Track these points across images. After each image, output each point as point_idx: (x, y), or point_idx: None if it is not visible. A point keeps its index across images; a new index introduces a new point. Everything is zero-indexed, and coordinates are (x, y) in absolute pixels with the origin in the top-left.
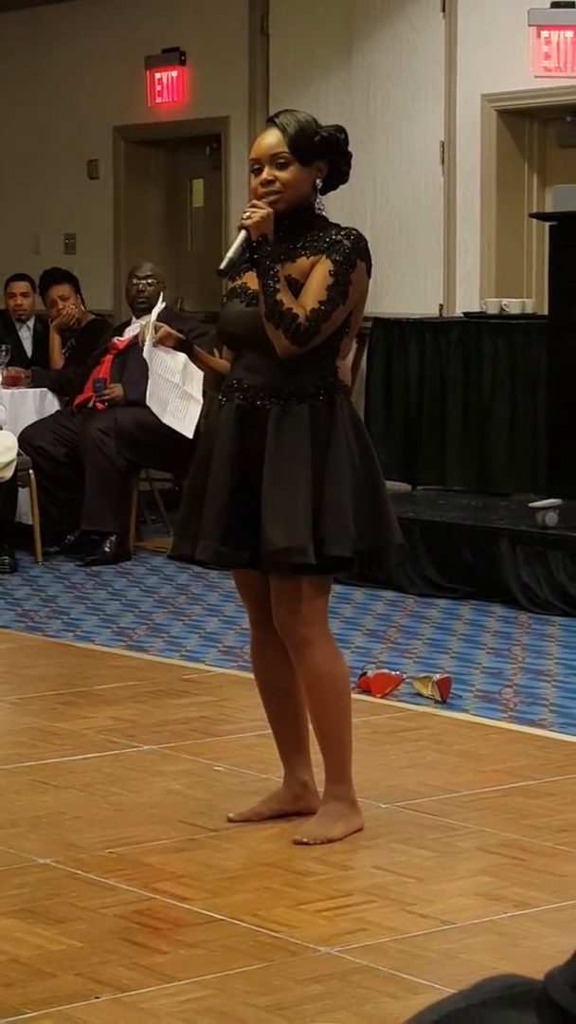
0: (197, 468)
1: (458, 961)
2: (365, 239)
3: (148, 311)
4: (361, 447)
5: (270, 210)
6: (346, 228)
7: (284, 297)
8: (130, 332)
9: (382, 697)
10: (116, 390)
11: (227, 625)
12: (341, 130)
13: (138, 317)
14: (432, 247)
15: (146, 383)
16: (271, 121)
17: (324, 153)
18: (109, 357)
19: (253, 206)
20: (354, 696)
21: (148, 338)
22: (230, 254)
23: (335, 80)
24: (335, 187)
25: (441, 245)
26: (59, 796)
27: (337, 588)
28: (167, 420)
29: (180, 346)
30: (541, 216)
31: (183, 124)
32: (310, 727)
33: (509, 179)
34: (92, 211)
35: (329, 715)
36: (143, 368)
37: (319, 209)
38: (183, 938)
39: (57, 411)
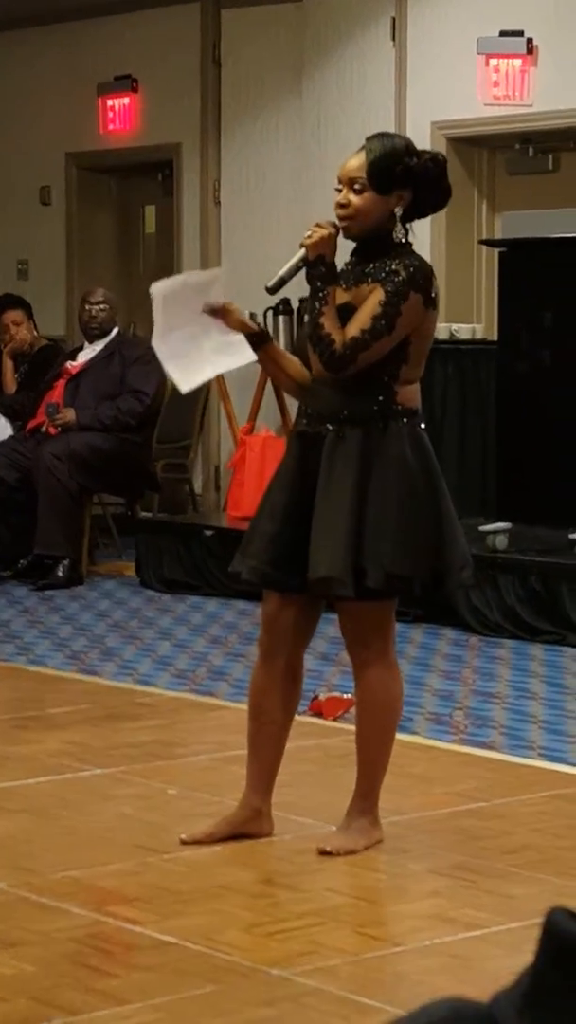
0: (267, 490)
1: (410, 983)
2: (427, 270)
3: (101, 336)
4: (423, 471)
5: (331, 231)
6: (411, 258)
7: (327, 321)
8: (83, 357)
9: (334, 720)
10: (69, 415)
11: (179, 649)
12: (436, 159)
13: (91, 342)
14: None
15: (129, 369)
16: (367, 143)
17: (407, 182)
18: (62, 382)
19: (317, 226)
20: (305, 719)
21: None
22: (282, 272)
23: (286, 108)
24: (425, 215)
25: None
26: (11, 820)
27: None
28: (168, 368)
29: (254, 338)
30: (491, 243)
31: (135, 151)
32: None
33: (459, 206)
34: (44, 237)
35: (374, 736)
36: (96, 392)
37: (398, 238)
38: (136, 961)
39: (10, 436)
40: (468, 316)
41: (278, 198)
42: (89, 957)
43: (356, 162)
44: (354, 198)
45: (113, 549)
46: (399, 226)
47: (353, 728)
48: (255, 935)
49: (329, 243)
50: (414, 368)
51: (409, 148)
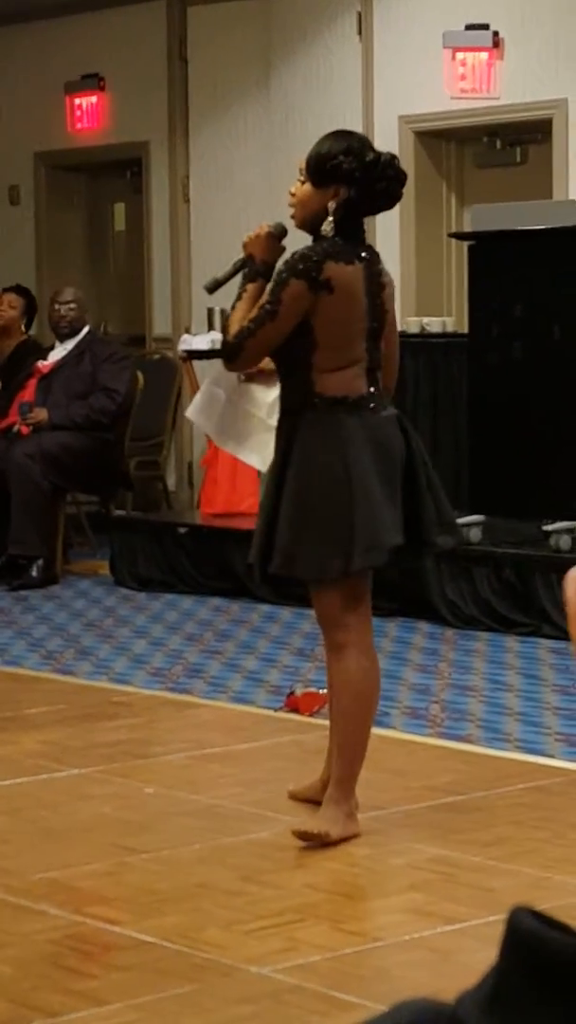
0: None
1: (390, 978)
2: (314, 256)
3: (72, 336)
4: (339, 458)
5: (260, 232)
6: (311, 247)
7: (233, 314)
8: (54, 356)
9: (310, 716)
10: (41, 414)
11: (155, 647)
12: (373, 163)
13: (61, 342)
14: None
15: (115, 403)
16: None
17: (341, 179)
18: (33, 381)
19: (260, 227)
20: (281, 716)
21: (235, 377)
22: (219, 275)
23: (253, 104)
24: (369, 214)
25: None
26: None
27: (264, 608)
28: (244, 456)
29: None
30: (460, 236)
31: (103, 149)
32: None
33: (427, 199)
34: (14, 236)
35: (338, 720)
36: (68, 391)
37: (325, 231)
38: (114, 962)
39: None
40: (438, 309)
41: (247, 194)
42: (68, 958)
43: (302, 161)
44: (298, 188)
45: (87, 548)
46: (328, 219)
47: (328, 723)
48: (234, 933)
49: (258, 243)
50: (329, 355)
51: (348, 149)
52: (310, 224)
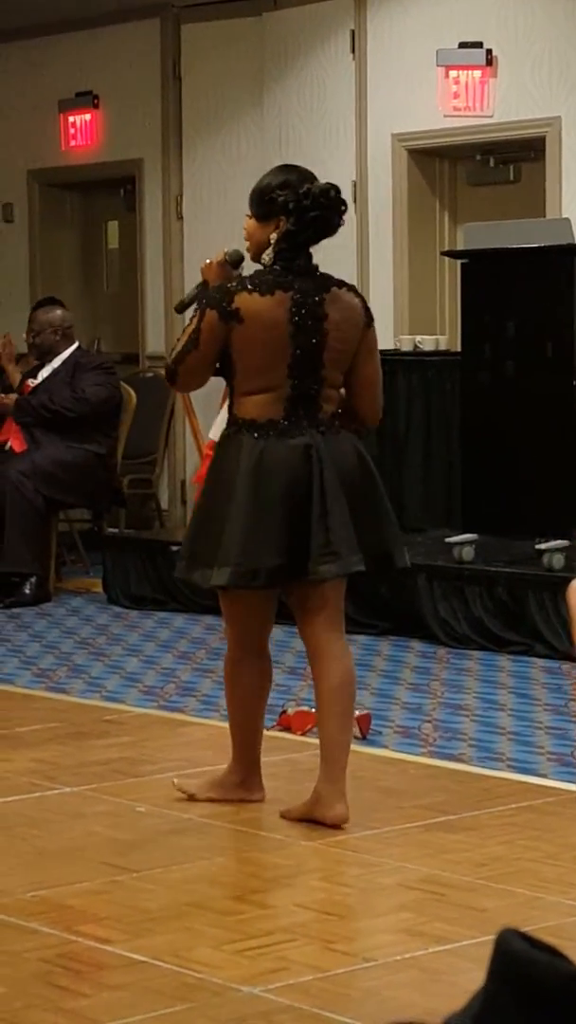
0: None
1: (380, 998)
2: (231, 287)
3: (55, 355)
4: (219, 479)
5: (214, 260)
6: (231, 281)
7: (180, 337)
8: (43, 375)
9: (302, 734)
10: (7, 399)
11: (147, 665)
12: (300, 191)
13: (45, 363)
14: None
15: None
16: None
17: (280, 212)
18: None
19: (217, 254)
20: (274, 734)
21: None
22: (185, 296)
23: (247, 122)
24: (309, 243)
25: (355, 283)
26: None
27: None
28: None
29: None
30: (453, 254)
31: (97, 167)
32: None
33: (421, 218)
34: (7, 254)
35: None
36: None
37: (264, 262)
38: (106, 980)
39: None
40: (431, 327)
41: (241, 212)
42: (59, 977)
43: None
44: (246, 224)
45: (80, 566)
46: (268, 250)
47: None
48: (225, 952)
49: (211, 270)
50: (246, 380)
51: (285, 183)
52: (255, 256)
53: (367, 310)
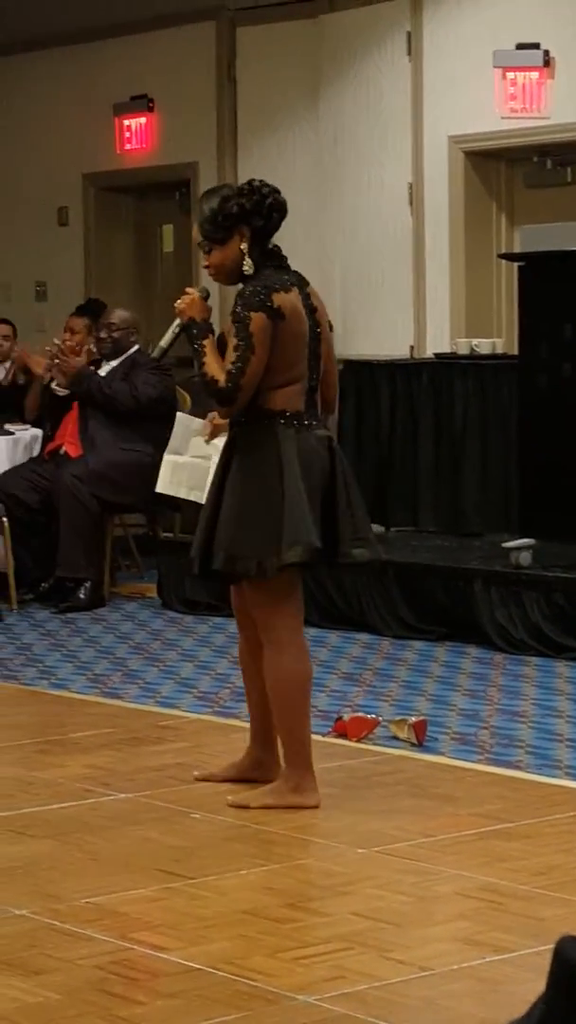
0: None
1: (436, 1008)
2: (260, 290)
3: (115, 356)
4: (262, 470)
5: (195, 296)
6: (250, 285)
7: (209, 367)
8: (104, 372)
9: (357, 741)
10: (76, 362)
11: (202, 671)
12: (243, 192)
13: (107, 361)
14: (402, 288)
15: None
16: (197, 208)
17: (239, 222)
18: (76, 403)
19: (185, 292)
20: (330, 740)
21: (200, 435)
22: (162, 342)
23: (303, 124)
24: (271, 233)
25: (411, 286)
26: (35, 846)
27: (312, 631)
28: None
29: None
30: (509, 256)
31: (152, 170)
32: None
33: (477, 220)
34: (62, 258)
35: (276, 710)
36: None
37: (245, 271)
38: (161, 988)
39: (30, 458)
40: (488, 331)
41: (295, 214)
42: (114, 984)
43: (195, 232)
44: (208, 259)
45: (135, 570)
46: (246, 259)
47: (376, 748)
48: (280, 960)
49: (195, 306)
50: (277, 375)
51: (225, 197)
52: (236, 276)
53: None
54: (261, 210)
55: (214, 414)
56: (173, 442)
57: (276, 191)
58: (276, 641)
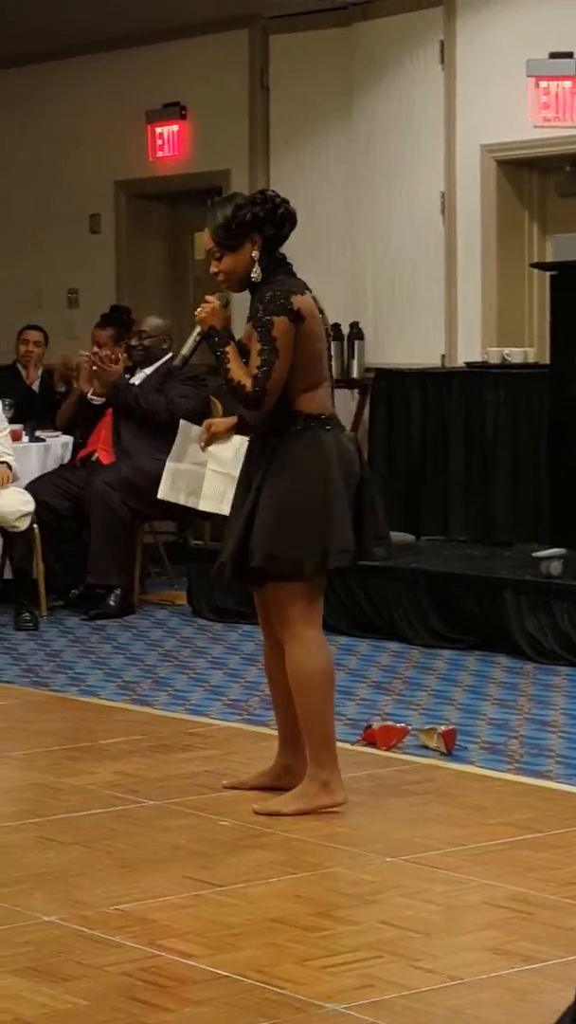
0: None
1: (465, 1017)
2: (280, 294)
3: (147, 364)
4: (305, 472)
5: (215, 304)
6: (267, 291)
7: (233, 373)
8: (137, 380)
9: (387, 750)
10: (115, 368)
11: (232, 678)
12: (256, 201)
13: (141, 369)
14: (433, 297)
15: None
16: (207, 215)
17: (251, 229)
18: (110, 410)
19: (205, 300)
20: (359, 749)
21: (197, 442)
22: (184, 350)
23: (335, 132)
24: (281, 242)
25: (442, 295)
26: (64, 852)
27: (341, 640)
28: (223, 509)
29: (235, 428)
30: (542, 266)
31: (184, 178)
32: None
33: (509, 229)
34: (94, 265)
35: (301, 708)
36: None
37: (254, 278)
38: (189, 995)
39: (61, 465)
40: (520, 340)
41: (328, 222)
42: (142, 991)
43: (206, 239)
44: (219, 265)
45: (165, 578)
46: (255, 267)
47: (406, 757)
48: (309, 969)
49: (215, 315)
50: (304, 376)
51: (239, 205)
52: (245, 283)
53: None
54: (273, 219)
55: (210, 421)
56: (174, 449)
57: (287, 201)
58: (297, 636)
